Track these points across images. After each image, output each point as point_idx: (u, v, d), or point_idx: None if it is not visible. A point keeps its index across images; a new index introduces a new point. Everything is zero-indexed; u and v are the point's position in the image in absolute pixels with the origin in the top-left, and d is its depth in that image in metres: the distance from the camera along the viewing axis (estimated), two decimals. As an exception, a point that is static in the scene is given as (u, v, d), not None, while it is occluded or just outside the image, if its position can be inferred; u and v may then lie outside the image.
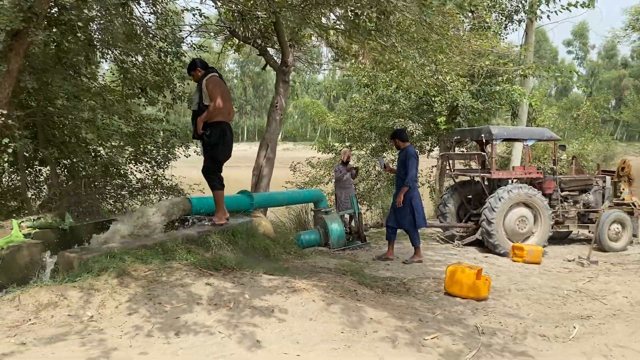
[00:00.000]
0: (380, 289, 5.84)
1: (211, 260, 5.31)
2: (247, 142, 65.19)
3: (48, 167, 8.10)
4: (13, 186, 8.05)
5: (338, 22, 6.70)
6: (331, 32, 7.05)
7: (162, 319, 3.93)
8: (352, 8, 5.44)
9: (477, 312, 5.23)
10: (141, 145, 8.99)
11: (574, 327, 4.76)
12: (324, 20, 6.95)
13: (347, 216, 9.86)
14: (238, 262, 5.48)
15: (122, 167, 9.04)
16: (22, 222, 5.89)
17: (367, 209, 13.59)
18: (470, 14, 8.24)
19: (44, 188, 8.07)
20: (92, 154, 8.33)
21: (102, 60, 8.30)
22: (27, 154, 7.64)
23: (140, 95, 7.71)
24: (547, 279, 6.76)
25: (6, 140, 5.74)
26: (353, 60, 9.51)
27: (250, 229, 6.56)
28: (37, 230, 5.87)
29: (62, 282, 4.31)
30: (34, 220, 5.92)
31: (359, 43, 7.02)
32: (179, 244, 5.49)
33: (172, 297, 4.23)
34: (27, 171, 8.61)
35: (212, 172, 6.05)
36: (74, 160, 7.76)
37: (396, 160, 8.04)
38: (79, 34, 5.83)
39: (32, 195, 8.60)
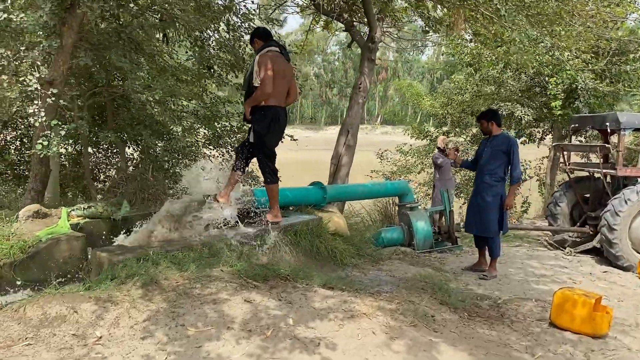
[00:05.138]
0: (467, 312, 4.76)
1: (262, 267, 4.54)
2: (346, 125, 64.43)
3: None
4: (77, 170, 7.87)
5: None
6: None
7: (180, 347, 3.20)
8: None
9: (593, 356, 4.02)
10: (218, 129, 8.48)
11: None
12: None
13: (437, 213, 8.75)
14: (294, 270, 4.66)
15: (196, 151, 8.59)
16: (72, 210, 5.50)
17: (464, 203, 12.24)
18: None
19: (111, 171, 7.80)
20: (166, 136, 7.92)
21: (179, 38, 7.81)
22: (93, 136, 7.36)
23: (207, 75, 7.10)
24: (690, 311, 5.29)
25: (54, 122, 5.32)
26: (446, 32, 8.25)
27: (317, 227, 5.73)
28: (87, 220, 5.47)
29: (81, 289, 3.73)
30: (84, 209, 5.51)
31: (452, 10, 5.85)
32: (229, 245, 4.79)
33: (200, 318, 3.50)
34: (98, 154, 8.41)
35: (264, 163, 5.27)
36: (142, 143, 7.36)
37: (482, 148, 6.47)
38: (131, 5, 5.24)
39: (104, 178, 8.41)
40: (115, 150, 8.43)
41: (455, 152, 9.26)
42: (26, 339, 3.16)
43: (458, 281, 5.90)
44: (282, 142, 8.35)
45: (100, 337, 3.24)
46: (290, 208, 6.66)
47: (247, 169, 5.65)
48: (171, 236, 4.91)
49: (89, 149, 8.43)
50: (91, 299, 3.55)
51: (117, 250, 4.36)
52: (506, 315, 4.86)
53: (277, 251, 5.07)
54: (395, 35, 10.00)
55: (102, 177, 8.18)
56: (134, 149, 8.36)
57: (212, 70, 7.05)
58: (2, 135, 9.10)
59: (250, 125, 5.33)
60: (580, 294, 4.56)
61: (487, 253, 6.50)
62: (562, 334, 4.44)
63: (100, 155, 8.73)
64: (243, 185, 7.98)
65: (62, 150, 8.72)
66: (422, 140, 13.56)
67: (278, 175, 5.39)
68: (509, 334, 4.35)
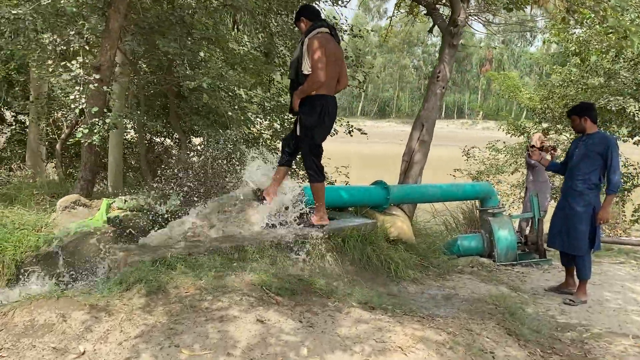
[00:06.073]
0: (540, 348, 3.90)
1: (294, 278, 3.97)
2: (445, 119, 62.27)
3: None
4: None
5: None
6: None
7: (166, 373, 2.73)
8: None
9: None
10: (285, 120, 8.04)
11: None
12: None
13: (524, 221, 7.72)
14: (331, 283, 4.06)
15: (264, 144, 8.20)
16: (114, 202, 5.27)
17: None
18: None
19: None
20: (233, 127, 7.59)
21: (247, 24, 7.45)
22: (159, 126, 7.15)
23: (266, 61, 6.63)
24: None
25: (95, 109, 5.10)
26: (530, 9, 7.17)
27: (370, 233, 5.07)
28: (127, 213, 5.21)
29: (82, 293, 3.38)
30: (125, 201, 5.26)
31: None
32: (264, 250, 4.28)
33: (199, 338, 3.00)
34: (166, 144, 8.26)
35: (309, 159, 4.69)
36: (202, 133, 7.08)
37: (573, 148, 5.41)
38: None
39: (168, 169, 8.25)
40: (187, 141, 8.27)
41: (552, 152, 8.14)
42: (1, 349, 2.83)
43: (537, 305, 4.97)
44: (353, 134, 7.77)
45: (83, 353, 2.84)
46: (351, 209, 6.06)
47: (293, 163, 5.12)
48: (203, 235, 4.49)
49: (157, 139, 8.36)
50: (86, 307, 3.18)
51: (136, 249, 4.00)
52: (591, 355, 3.94)
53: (320, 259, 4.49)
54: (485, 19, 8.94)
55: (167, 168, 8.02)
56: (205, 140, 8.14)
57: (268, 57, 6.59)
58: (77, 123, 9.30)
59: (296, 117, 4.80)
60: (692, 340, 3.55)
61: (593, 266, 5.49)
62: (665, 388, 3.48)
63: (169, 144, 8.62)
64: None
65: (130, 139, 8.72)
66: (517, 137, 12.30)
67: (324, 173, 4.80)
68: (592, 383, 3.46)
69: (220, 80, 5.93)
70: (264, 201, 4.82)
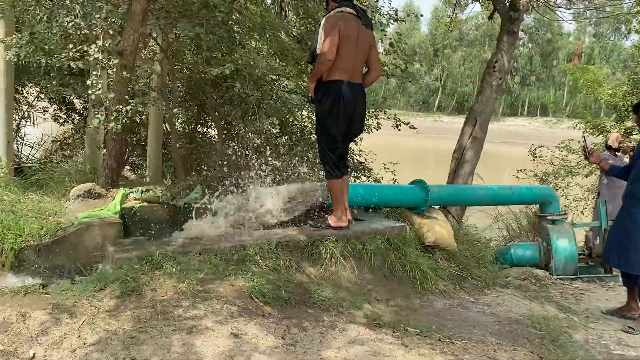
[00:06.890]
0: (580, 388, 3.26)
1: (294, 285, 3.57)
2: (527, 117, 59.22)
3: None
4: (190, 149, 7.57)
5: None
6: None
7: (110, 391, 2.40)
8: None
9: None
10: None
11: None
12: None
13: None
14: (337, 294, 3.61)
15: (308, 137, 7.83)
16: (131, 192, 5.08)
17: None
18: None
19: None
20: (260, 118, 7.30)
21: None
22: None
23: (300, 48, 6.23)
24: None
25: (112, 95, 4.91)
26: None
27: (397, 238, 4.54)
28: (144, 204, 5.01)
29: (55, 292, 3.14)
30: (142, 192, 5.05)
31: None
32: (268, 251, 3.90)
33: (159, 351, 2.65)
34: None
35: (324, 153, 4.25)
36: (238, 125, 6.79)
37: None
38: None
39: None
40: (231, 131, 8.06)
41: (631, 153, 7.19)
42: (-52, 348, 2.63)
43: (588, 330, 4.24)
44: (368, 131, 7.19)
45: (31, 359, 2.58)
46: (384, 210, 5.55)
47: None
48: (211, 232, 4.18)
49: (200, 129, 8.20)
50: (50, 306, 2.93)
51: (129, 245, 3.74)
52: (647, 401, 3.26)
53: (332, 265, 4.04)
54: (555, 3, 7.96)
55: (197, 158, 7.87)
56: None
57: (301, 43, 6.19)
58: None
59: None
60: None
61: None
62: None
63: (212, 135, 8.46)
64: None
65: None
66: (595, 136, 11.15)
67: (342, 169, 4.33)
68: None
69: (250, 68, 5.60)
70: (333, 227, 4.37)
